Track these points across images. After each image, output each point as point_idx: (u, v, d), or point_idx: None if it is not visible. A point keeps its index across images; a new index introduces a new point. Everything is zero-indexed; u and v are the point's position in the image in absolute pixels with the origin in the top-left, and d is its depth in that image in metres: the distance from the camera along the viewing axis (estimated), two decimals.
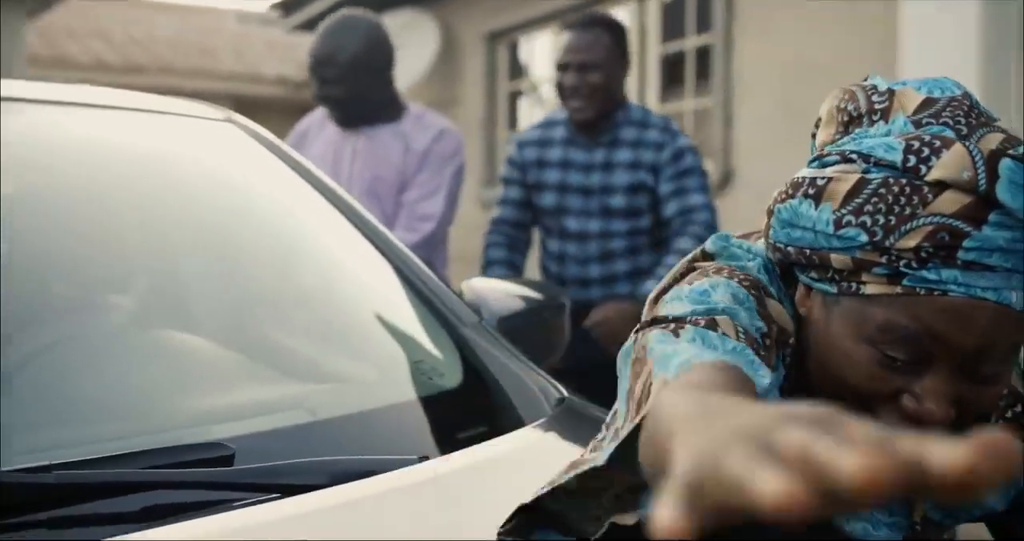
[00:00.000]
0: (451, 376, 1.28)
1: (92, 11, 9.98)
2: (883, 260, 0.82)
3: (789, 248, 0.89)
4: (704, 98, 5.18)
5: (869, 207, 0.82)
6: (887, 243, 0.81)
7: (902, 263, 0.81)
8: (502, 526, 0.84)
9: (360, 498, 0.92)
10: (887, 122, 0.86)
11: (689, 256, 0.99)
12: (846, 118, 0.90)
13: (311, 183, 1.54)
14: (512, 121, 6.62)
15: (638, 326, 0.88)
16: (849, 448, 0.39)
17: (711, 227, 2.61)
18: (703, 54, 5.11)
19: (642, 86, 5.31)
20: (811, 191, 0.87)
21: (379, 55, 2.82)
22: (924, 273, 0.81)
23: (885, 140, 0.84)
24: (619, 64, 2.70)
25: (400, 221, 2.77)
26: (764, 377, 0.77)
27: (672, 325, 0.82)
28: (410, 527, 0.91)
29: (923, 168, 0.80)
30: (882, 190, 0.82)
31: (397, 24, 5.96)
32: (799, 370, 0.93)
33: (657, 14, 5.37)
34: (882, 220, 0.82)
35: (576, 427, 1.18)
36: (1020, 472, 0.61)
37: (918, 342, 0.82)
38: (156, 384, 1.16)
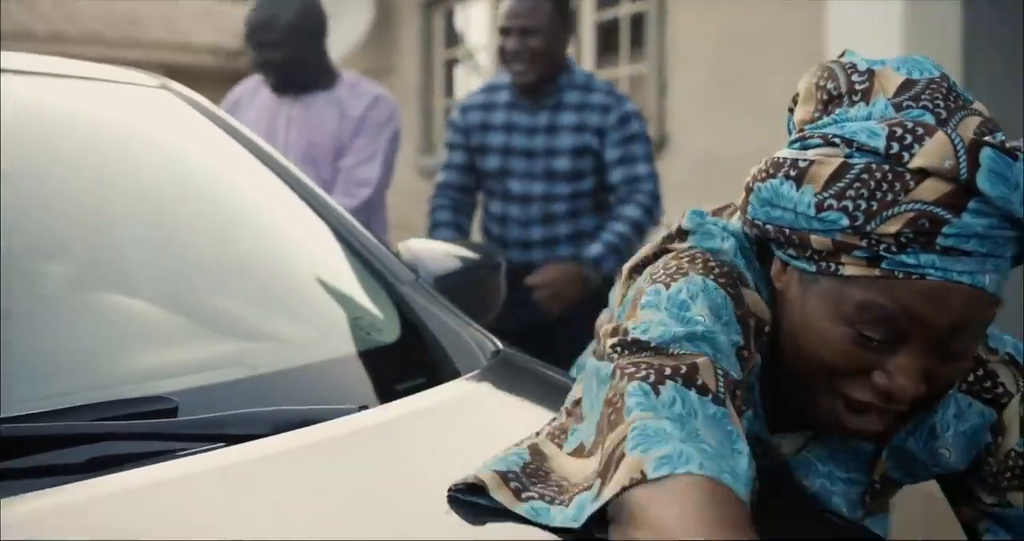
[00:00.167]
0: (389, 332, 1.32)
1: None
2: (863, 244, 0.84)
3: (768, 226, 0.90)
4: (639, 65, 5.23)
5: (851, 192, 0.84)
6: (868, 228, 0.84)
7: (882, 247, 0.84)
8: (453, 485, 0.87)
9: (301, 446, 0.96)
10: (868, 104, 0.88)
11: (664, 234, 1.00)
12: (825, 97, 0.91)
13: (247, 148, 1.56)
14: (449, 89, 6.61)
15: (616, 340, 0.87)
16: None
17: (655, 196, 2.69)
18: (637, 21, 5.15)
19: (577, 53, 5.34)
20: (792, 173, 0.88)
21: (314, 20, 2.84)
22: (903, 257, 0.83)
23: (868, 125, 0.85)
24: (560, 29, 2.74)
25: (337, 187, 2.80)
26: (742, 460, 0.78)
27: (652, 373, 0.82)
28: (351, 472, 0.95)
29: (906, 155, 0.83)
30: (864, 175, 0.84)
31: None
32: (772, 347, 0.95)
33: None
34: (864, 205, 0.83)
35: (510, 377, 1.23)
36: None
37: (895, 322, 0.85)
38: (98, 344, 1.18)
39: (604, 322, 1.07)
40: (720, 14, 4.75)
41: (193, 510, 0.85)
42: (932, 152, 0.82)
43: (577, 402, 0.98)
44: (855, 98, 0.89)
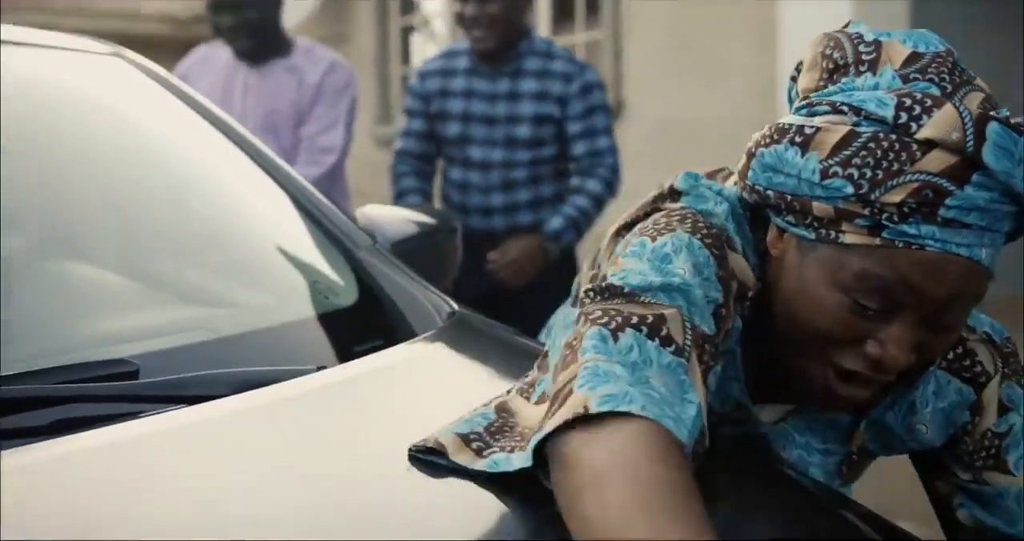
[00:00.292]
0: (347, 295, 1.35)
1: None
2: (866, 212, 0.85)
3: (768, 192, 0.90)
4: (594, 31, 5.24)
5: (857, 160, 0.84)
6: (872, 196, 0.84)
7: (884, 216, 0.84)
8: (413, 446, 0.88)
9: (261, 405, 0.98)
10: (875, 74, 0.88)
11: (655, 192, 1.00)
12: (831, 65, 0.90)
13: (202, 115, 1.56)
14: (405, 57, 6.58)
15: (591, 285, 0.89)
16: None
17: (615, 170, 2.73)
18: None
19: (533, 20, 5.34)
20: (798, 139, 0.88)
21: None
22: (905, 227, 0.84)
23: (876, 94, 0.85)
24: None
25: (301, 156, 2.81)
26: (689, 408, 0.79)
27: (615, 320, 0.83)
28: (309, 429, 0.98)
29: (914, 126, 0.83)
30: (871, 144, 0.84)
31: None
32: (762, 311, 0.95)
33: None
34: (869, 173, 0.84)
35: (465, 337, 1.26)
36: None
37: (891, 292, 0.86)
38: (59, 312, 1.19)
39: (585, 281, 1.08)
40: None
41: (155, 468, 0.87)
42: (940, 123, 0.82)
43: (546, 355, 0.99)
44: (862, 68, 0.89)
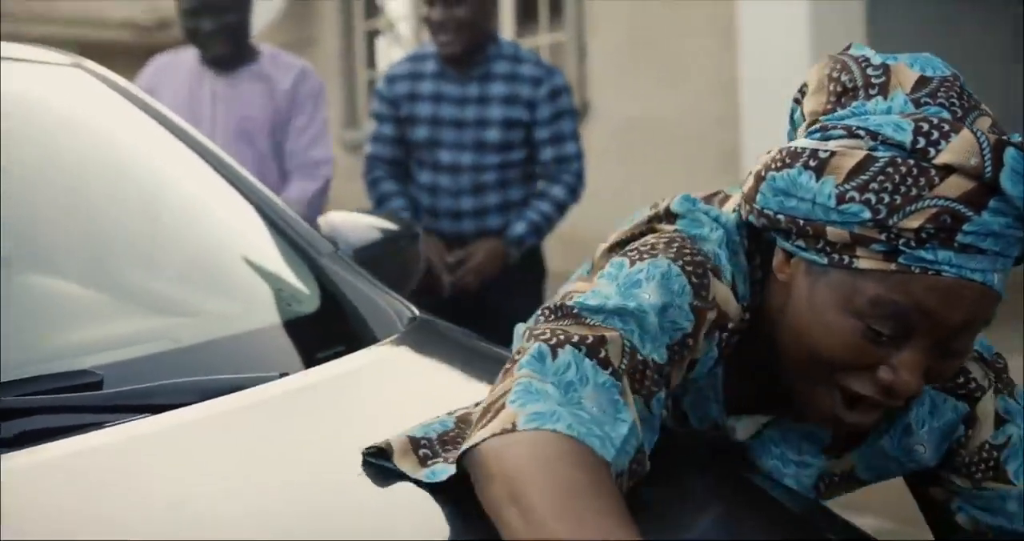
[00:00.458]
0: (309, 302, 1.37)
1: None
2: (882, 237, 0.84)
3: (779, 216, 0.89)
4: (558, 33, 5.27)
5: (875, 185, 0.84)
6: (890, 222, 0.84)
7: (901, 242, 0.84)
8: (366, 449, 0.89)
9: (224, 412, 1.00)
10: (886, 98, 0.88)
11: (651, 212, 0.99)
12: (839, 89, 0.90)
13: (164, 125, 1.58)
14: (371, 61, 6.58)
15: (549, 304, 0.89)
16: None
17: (580, 175, 2.78)
18: None
19: (497, 22, 5.36)
20: (812, 163, 0.87)
21: None
22: (921, 253, 0.84)
23: (892, 119, 0.85)
24: None
25: (295, 174, 2.80)
26: (621, 427, 0.80)
27: (560, 337, 0.83)
28: (274, 434, 0.99)
29: (932, 151, 0.83)
30: (889, 169, 0.84)
31: None
32: (752, 336, 0.95)
33: None
34: (887, 199, 0.84)
35: (426, 341, 1.29)
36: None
37: (906, 317, 0.85)
38: (22, 324, 1.20)
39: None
40: None
41: (120, 477, 0.89)
42: (958, 149, 0.83)
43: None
44: (872, 92, 0.89)
